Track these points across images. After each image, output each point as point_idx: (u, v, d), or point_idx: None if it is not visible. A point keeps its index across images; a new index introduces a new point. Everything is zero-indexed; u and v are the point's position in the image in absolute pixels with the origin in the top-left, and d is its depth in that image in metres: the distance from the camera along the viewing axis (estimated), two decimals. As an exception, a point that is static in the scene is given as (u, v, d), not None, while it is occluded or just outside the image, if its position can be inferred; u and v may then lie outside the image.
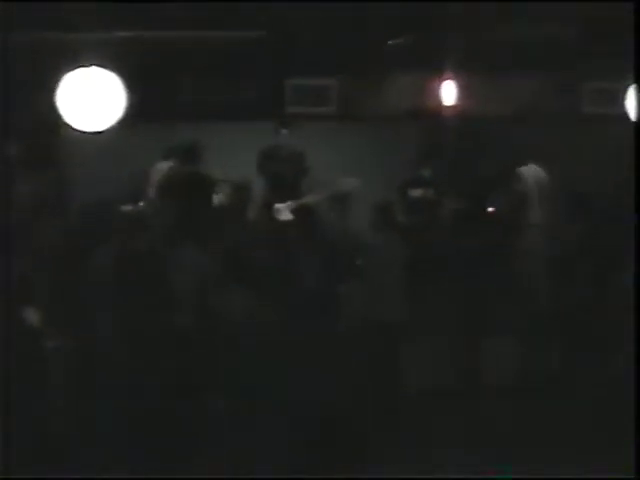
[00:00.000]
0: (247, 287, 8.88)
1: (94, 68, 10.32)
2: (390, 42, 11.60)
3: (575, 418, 8.98)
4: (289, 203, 10.98)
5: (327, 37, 11.27)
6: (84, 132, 10.44)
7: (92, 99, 10.36)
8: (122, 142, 10.94)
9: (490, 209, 11.36)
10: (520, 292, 10.23)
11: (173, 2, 10.31)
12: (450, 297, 10.04)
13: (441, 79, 11.93)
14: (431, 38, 11.28)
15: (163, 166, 11.31)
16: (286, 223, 10.68)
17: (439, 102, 11.98)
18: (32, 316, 8.72)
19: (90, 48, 10.38)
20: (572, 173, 11.40)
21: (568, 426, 8.86)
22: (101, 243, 9.23)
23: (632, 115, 11.30)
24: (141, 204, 11.26)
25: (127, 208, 10.70)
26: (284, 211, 10.96)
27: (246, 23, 10.94)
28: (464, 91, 11.96)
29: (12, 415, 7.70)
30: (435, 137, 12.23)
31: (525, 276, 10.32)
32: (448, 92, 11.97)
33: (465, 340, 10.02)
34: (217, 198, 11.15)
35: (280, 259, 9.56)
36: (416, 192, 11.61)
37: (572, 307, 9.90)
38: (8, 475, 7.60)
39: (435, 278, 10.12)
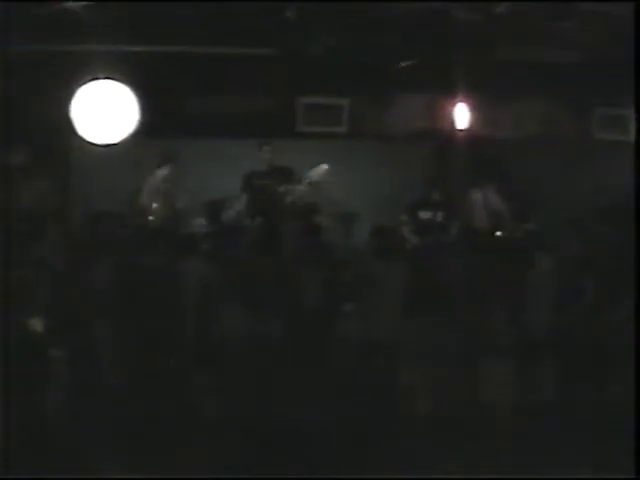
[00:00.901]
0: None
1: (107, 81, 10.42)
2: (402, 63, 11.61)
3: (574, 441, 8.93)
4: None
5: (340, 57, 11.29)
6: (96, 144, 10.51)
7: (104, 112, 10.44)
8: (133, 155, 11.01)
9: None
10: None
11: (187, 17, 10.35)
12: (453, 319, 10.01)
13: (452, 101, 11.96)
14: (443, 60, 11.29)
15: (162, 172, 11.45)
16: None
17: (450, 124, 12.01)
18: (34, 325, 8.79)
19: (104, 61, 10.45)
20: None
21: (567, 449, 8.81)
22: (105, 254, 9.32)
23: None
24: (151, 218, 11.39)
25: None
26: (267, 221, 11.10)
27: (260, 40, 10.97)
28: (475, 113, 11.98)
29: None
30: (444, 158, 12.27)
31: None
32: (459, 114, 12.00)
33: (468, 362, 9.98)
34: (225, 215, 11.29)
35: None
36: (424, 214, 11.65)
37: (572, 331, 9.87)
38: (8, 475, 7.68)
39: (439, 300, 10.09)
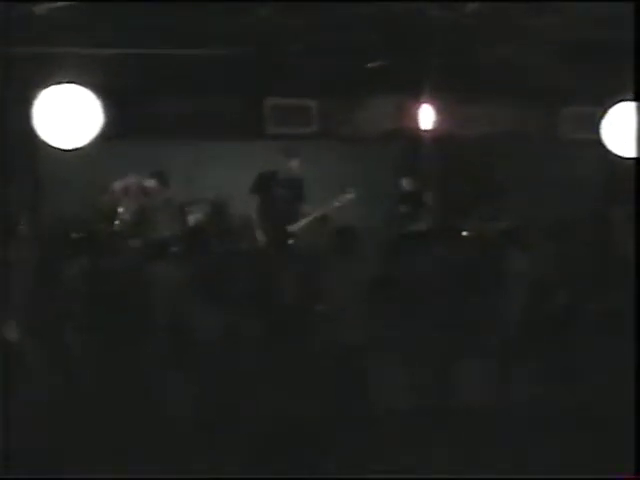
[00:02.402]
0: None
1: (71, 85, 10.32)
2: (370, 64, 11.62)
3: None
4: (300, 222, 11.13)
5: (308, 58, 11.29)
6: (60, 149, 10.41)
7: (68, 116, 10.35)
8: (98, 159, 10.91)
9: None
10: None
11: (154, 18, 10.27)
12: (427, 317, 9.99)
13: (419, 102, 11.98)
14: (410, 61, 11.31)
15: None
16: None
17: (417, 124, 12.04)
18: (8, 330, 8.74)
19: (68, 65, 10.35)
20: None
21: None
22: (73, 259, 9.25)
23: (607, 140, 11.33)
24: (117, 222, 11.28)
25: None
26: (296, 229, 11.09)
27: (228, 41, 10.93)
28: (442, 114, 12.01)
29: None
30: (412, 158, 12.33)
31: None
32: (426, 114, 12.03)
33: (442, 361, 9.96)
34: (194, 217, 11.24)
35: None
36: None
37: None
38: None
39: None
